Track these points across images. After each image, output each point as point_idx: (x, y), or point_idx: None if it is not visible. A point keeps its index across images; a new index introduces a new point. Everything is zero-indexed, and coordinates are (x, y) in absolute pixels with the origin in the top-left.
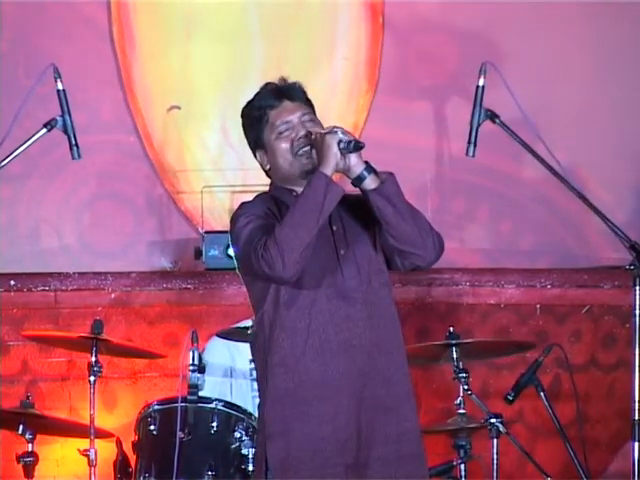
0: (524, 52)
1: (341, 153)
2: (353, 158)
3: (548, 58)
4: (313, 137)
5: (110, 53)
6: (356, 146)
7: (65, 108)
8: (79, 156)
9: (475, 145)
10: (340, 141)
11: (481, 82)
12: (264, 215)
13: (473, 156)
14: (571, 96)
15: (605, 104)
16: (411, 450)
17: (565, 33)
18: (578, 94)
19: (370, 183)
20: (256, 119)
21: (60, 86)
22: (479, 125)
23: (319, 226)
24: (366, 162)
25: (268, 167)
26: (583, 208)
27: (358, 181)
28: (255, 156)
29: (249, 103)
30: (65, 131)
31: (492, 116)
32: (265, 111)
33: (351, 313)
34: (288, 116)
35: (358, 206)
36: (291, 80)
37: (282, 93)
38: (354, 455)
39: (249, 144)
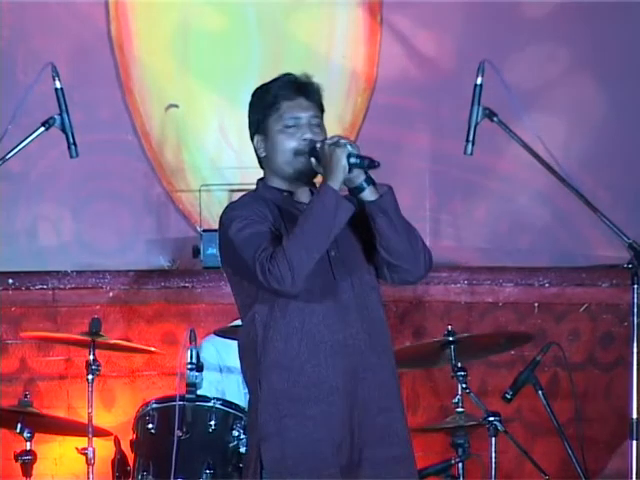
0: (522, 51)
1: (350, 168)
2: (355, 169)
3: (547, 57)
4: (319, 146)
5: (108, 52)
6: (371, 165)
7: (63, 107)
8: (77, 155)
9: (473, 144)
10: (350, 155)
11: (479, 80)
12: (257, 219)
13: (471, 154)
14: (569, 95)
15: (604, 102)
16: (402, 451)
17: (564, 32)
18: (576, 92)
19: (368, 195)
20: (267, 103)
21: (58, 85)
22: (477, 123)
23: (330, 242)
24: (366, 173)
25: (264, 154)
26: (581, 206)
27: (356, 191)
28: (252, 139)
29: (265, 85)
30: (63, 130)
31: (490, 114)
32: (279, 99)
33: (344, 314)
34: (300, 113)
35: None
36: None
37: (301, 88)
38: (348, 456)
39: (249, 125)
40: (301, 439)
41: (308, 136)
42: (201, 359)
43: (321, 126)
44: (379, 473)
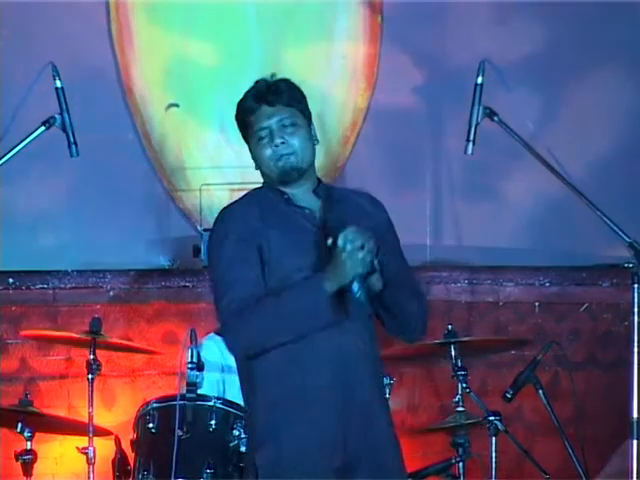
0: (522, 51)
1: (352, 281)
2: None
3: (547, 57)
4: (340, 242)
5: (109, 51)
6: (373, 293)
7: (63, 106)
8: (77, 154)
9: (474, 143)
10: (357, 276)
11: (479, 80)
12: (246, 237)
13: (472, 154)
14: (570, 94)
15: (604, 102)
16: (395, 454)
17: (564, 33)
18: (576, 92)
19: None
20: (240, 121)
21: (59, 84)
22: (478, 123)
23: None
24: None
25: (255, 166)
26: (582, 206)
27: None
28: None
29: (238, 103)
30: (63, 129)
31: (490, 114)
32: (246, 114)
33: (341, 320)
34: (265, 122)
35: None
36: (280, 77)
37: (261, 97)
38: (342, 460)
39: None
40: (295, 443)
41: (278, 141)
42: (202, 358)
43: (296, 124)
44: (374, 475)
